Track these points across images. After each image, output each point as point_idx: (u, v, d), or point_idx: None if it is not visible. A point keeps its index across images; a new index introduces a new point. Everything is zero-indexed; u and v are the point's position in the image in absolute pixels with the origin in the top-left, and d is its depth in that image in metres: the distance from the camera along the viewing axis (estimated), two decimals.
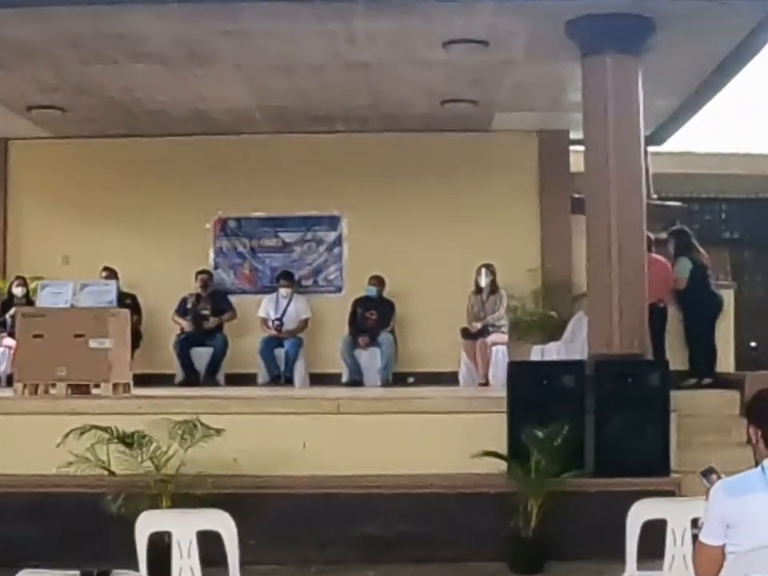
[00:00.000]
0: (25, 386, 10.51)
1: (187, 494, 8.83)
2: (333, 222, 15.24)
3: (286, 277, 14.76)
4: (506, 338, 13.90)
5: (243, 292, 15.28)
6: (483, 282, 14.03)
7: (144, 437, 8.87)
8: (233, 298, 15.03)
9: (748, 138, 30.16)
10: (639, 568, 5.96)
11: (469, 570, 8.97)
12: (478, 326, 13.80)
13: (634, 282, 10.28)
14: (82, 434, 8.69)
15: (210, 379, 14.11)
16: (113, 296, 10.88)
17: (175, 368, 14.41)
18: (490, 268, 14.04)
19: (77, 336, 10.44)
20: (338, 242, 15.24)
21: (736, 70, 12.02)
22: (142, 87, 12.61)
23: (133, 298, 14.46)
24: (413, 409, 9.96)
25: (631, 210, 10.34)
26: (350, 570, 9.02)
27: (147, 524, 5.83)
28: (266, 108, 13.74)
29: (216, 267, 15.32)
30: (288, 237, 15.29)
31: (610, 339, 10.17)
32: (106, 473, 8.88)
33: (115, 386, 10.70)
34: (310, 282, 15.27)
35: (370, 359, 14.12)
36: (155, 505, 8.73)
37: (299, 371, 14.21)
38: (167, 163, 15.11)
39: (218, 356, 14.23)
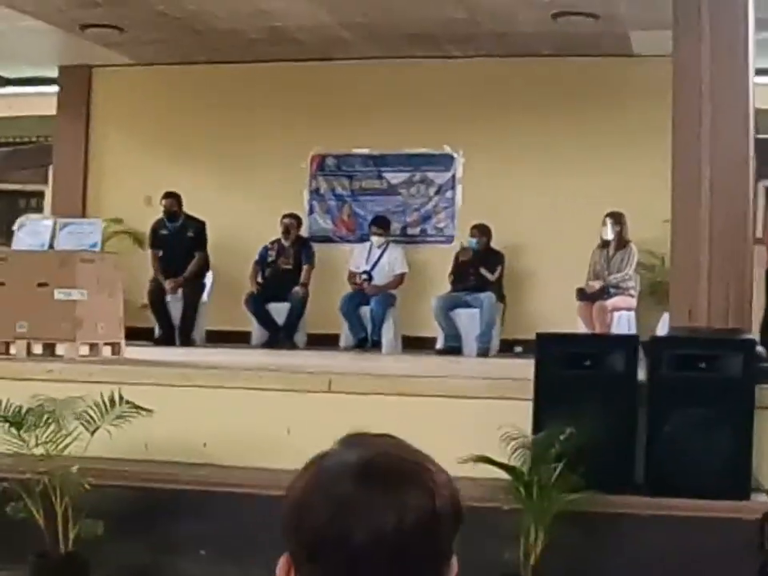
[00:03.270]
0: None
1: (105, 486, 6.93)
2: (445, 162, 12.96)
3: (379, 222, 12.61)
4: (633, 302, 11.41)
5: (342, 240, 13.19)
6: (608, 234, 11.56)
7: (43, 414, 6.92)
8: (327, 247, 13.02)
9: None
10: None
11: None
12: (596, 285, 11.36)
13: (731, 236, 7.68)
14: None
15: (287, 341, 12.13)
16: (97, 237, 9.00)
17: (252, 327, 12.49)
18: (616, 218, 11.56)
19: (40, 285, 8.63)
20: (451, 184, 12.96)
21: None
22: None
23: (198, 229, 12.59)
24: (419, 391, 7.70)
25: (730, 142, 7.73)
26: None
27: None
28: (350, 26, 11.65)
29: (311, 212, 13.29)
30: (394, 177, 13.10)
31: (694, 308, 7.62)
32: None
33: (92, 346, 8.84)
34: (416, 231, 13.06)
35: (471, 323, 11.83)
36: (47, 502, 6.85)
37: (387, 334, 12.08)
38: (258, 93, 13.22)
39: (295, 313, 12.21)
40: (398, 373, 8.56)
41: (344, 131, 12.99)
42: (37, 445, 6.92)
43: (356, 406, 7.77)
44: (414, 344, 12.23)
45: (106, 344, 9.01)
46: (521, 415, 7.19)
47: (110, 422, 6.99)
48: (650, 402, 7.03)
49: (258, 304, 12.31)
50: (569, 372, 7.12)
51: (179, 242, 12.48)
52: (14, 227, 9.35)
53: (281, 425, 7.87)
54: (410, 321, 12.40)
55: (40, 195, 13.97)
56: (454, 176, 12.91)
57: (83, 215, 13.54)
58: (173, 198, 12.49)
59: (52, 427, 6.92)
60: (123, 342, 9.25)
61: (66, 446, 6.91)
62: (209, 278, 12.90)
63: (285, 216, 12.59)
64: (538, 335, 7.32)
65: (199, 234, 12.52)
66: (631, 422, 7.03)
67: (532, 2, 10.50)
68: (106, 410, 7.04)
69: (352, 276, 12.44)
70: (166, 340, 12.23)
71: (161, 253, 12.59)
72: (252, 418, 7.93)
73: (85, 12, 11.17)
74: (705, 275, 7.63)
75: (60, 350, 8.79)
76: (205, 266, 12.65)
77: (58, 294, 8.61)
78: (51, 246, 9.01)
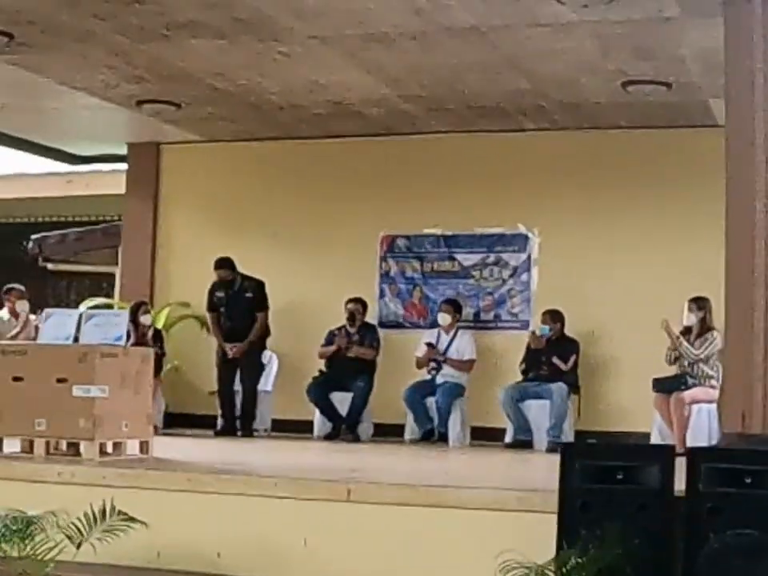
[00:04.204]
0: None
1: None
2: (520, 242, 12.26)
3: (450, 302, 11.97)
4: (714, 393, 10.49)
5: (413, 326, 12.51)
6: (690, 320, 10.70)
7: (28, 525, 6.41)
8: (398, 333, 12.41)
9: None
10: None
11: None
12: (672, 367, 10.55)
13: None
14: None
15: (349, 432, 11.52)
16: (122, 330, 8.51)
17: (315, 417, 11.91)
18: (700, 303, 10.67)
19: (59, 381, 8.18)
20: (526, 266, 12.23)
21: None
22: (233, 71, 10.36)
23: (256, 290, 11.99)
24: (442, 501, 6.99)
25: None
26: None
27: None
28: (411, 99, 11.13)
29: (381, 295, 12.67)
30: (466, 259, 12.42)
31: (748, 412, 6.84)
32: None
33: (116, 445, 8.37)
34: (490, 316, 12.34)
35: (541, 414, 11.08)
36: None
37: (454, 426, 11.39)
38: (325, 170, 12.78)
39: (357, 403, 11.59)
40: (435, 481, 7.90)
41: (414, 210, 12.43)
42: (20, 557, 6.41)
43: (376, 517, 7.14)
44: (485, 436, 11.54)
45: (140, 442, 8.53)
46: (547, 531, 6.47)
47: (98, 535, 6.44)
48: (688, 521, 6.24)
49: (319, 393, 11.72)
50: (596, 486, 6.36)
51: (238, 304, 11.92)
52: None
53: (297, 535, 7.27)
54: (481, 411, 11.67)
55: (112, 277, 13.62)
56: (529, 257, 12.20)
57: (151, 298, 13.21)
58: (226, 268, 11.91)
59: (38, 538, 6.39)
60: (152, 439, 8.73)
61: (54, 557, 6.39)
62: (274, 365, 12.38)
63: (349, 301, 11.99)
64: (564, 445, 6.59)
65: (258, 294, 11.92)
66: (666, 543, 6.23)
67: (596, 70, 9.83)
68: (95, 521, 6.51)
69: (428, 355, 11.72)
70: (228, 431, 11.74)
71: (220, 315, 12.05)
72: (268, 527, 7.33)
73: (136, 87, 10.87)
74: (760, 375, 6.84)
75: (83, 448, 8.32)
76: (267, 328, 12.02)
77: (77, 391, 8.14)
78: (76, 339, 8.55)
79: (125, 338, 8.55)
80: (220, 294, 12.02)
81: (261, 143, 12.81)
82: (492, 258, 12.30)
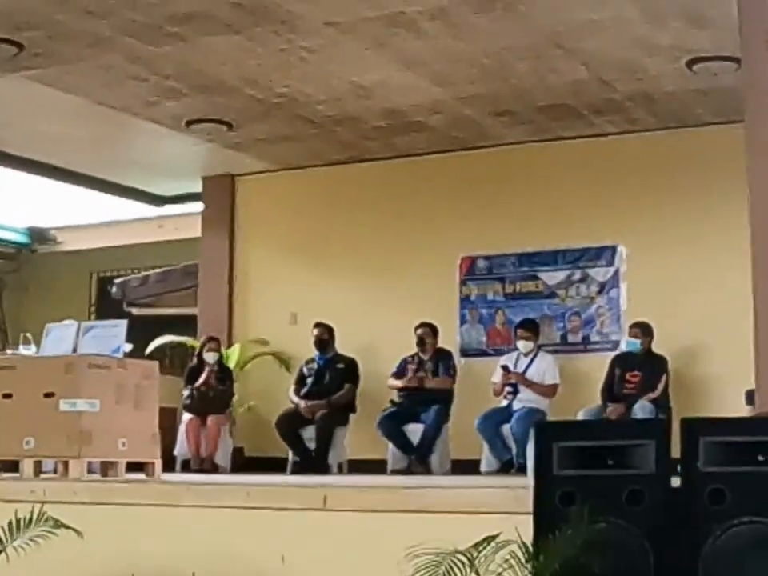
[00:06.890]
0: None
1: None
2: (606, 255, 11.22)
3: (527, 325, 11.01)
4: None
5: (496, 353, 11.53)
6: None
7: None
8: (481, 362, 11.46)
9: None
10: None
11: None
12: None
13: None
14: None
15: (419, 464, 10.62)
16: (121, 341, 7.85)
17: (388, 452, 11.04)
18: None
19: (47, 395, 7.57)
20: (615, 281, 11.18)
21: None
22: (265, 75, 9.71)
23: (350, 363, 11.43)
24: (422, 506, 6.07)
25: None
26: None
27: None
28: (465, 100, 10.30)
29: (463, 321, 11.76)
30: (550, 278, 11.43)
31: None
32: None
33: (111, 465, 7.67)
34: (578, 338, 11.29)
35: None
36: None
37: (533, 455, 10.30)
38: (398, 192, 12.04)
39: (428, 435, 10.69)
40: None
41: (493, 228, 11.57)
42: None
43: (353, 526, 6.26)
44: None
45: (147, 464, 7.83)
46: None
47: (22, 542, 5.73)
48: (686, 509, 5.15)
49: (391, 425, 10.87)
50: (575, 472, 5.33)
51: (328, 373, 11.46)
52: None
53: (274, 549, 6.44)
54: None
55: (194, 320, 13.06)
56: (617, 272, 11.14)
57: (229, 336, 12.64)
58: (323, 327, 11.55)
59: None
60: (158, 461, 8.00)
61: None
62: None
63: (418, 326, 11.17)
64: (536, 424, 5.60)
65: (351, 369, 11.43)
66: (664, 538, 5.17)
67: (650, 46, 8.83)
68: (18, 530, 5.80)
69: (504, 380, 10.75)
70: (302, 469, 10.97)
71: (304, 388, 11.48)
72: (243, 541, 6.53)
73: (176, 105, 10.35)
74: None
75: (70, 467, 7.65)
76: (352, 402, 11.36)
77: (63, 405, 7.53)
78: (75, 352, 7.94)
79: (123, 349, 7.89)
80: (311, 366, 11.58)
81: (330, 168, 12.18)
82: (578, 274, 11.29)
